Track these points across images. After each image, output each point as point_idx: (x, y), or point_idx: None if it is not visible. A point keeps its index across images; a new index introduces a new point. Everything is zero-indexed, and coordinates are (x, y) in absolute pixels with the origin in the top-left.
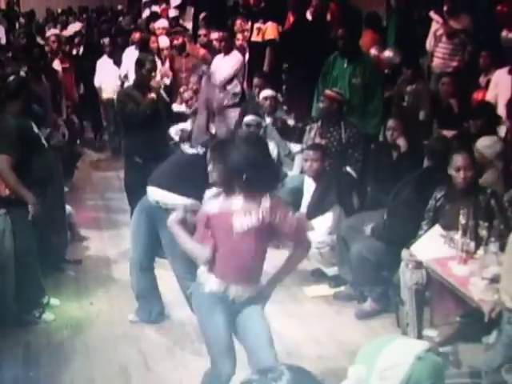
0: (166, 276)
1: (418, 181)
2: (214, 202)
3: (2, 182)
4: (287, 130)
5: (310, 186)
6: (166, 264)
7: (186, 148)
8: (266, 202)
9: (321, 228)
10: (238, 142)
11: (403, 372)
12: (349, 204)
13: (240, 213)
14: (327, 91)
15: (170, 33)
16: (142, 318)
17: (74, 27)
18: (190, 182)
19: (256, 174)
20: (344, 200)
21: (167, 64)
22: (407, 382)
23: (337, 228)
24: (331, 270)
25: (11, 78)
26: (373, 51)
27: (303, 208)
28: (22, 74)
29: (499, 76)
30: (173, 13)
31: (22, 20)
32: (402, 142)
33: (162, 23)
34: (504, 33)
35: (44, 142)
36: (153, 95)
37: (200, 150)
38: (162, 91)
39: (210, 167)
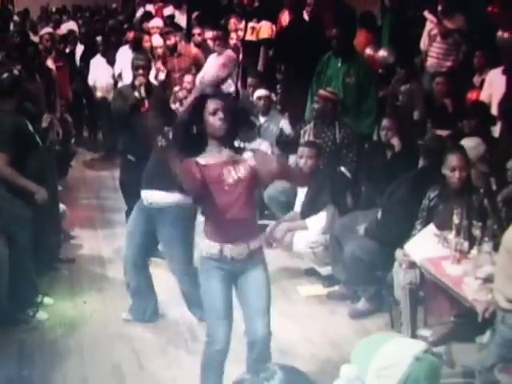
0: (160, 275)
1: (413, 180)
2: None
3: (2, 179)
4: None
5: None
6: (161, 263)
7: None
8: (248, 154)
9: (314, 227)
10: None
11: (401, 372)
12: (343, 204)
13: (228, 164)
14: (321, 91)
15: (163, 32)
16: (136, 317)
17: (68, 26)
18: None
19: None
20: (338, 199)
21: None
22: (405, 381)
23: (330, 227)
24: (325, 270)
25: (5, 75)
26: (368, 51)
27: (297, 207)
28: (16, 72)
29: (493, 76)
30: (168, 11)
31: (16, 18)
32: (396, 142)
33: (155, 22)
34: (499, 33)
35: (38, 140)
36: (136, 94)
37: None
38: (157, 89)
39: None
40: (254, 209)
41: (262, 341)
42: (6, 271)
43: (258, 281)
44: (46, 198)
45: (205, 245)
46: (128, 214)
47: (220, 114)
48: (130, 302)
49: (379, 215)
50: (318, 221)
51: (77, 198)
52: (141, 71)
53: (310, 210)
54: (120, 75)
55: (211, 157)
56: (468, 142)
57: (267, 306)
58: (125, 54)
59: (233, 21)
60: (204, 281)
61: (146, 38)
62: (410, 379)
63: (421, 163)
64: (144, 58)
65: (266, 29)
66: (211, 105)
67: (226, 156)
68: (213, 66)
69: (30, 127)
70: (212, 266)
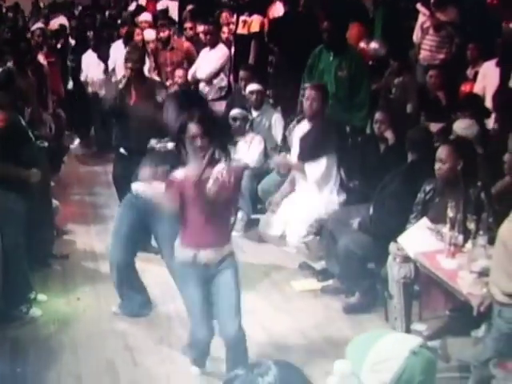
0: (153, 270)
1: (405, 174)
2: (179, 171)
3: None
4: None
5: (301, 133)
6: (153, 258)
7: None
8: (220, 165)
9: (312, 174)
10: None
11: (397, 365)
12: (346, 155)
13: (204, 178)
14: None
15: (156, 26)
16: (125, 311)
17: (59, 21)
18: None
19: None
20: (342, 149)
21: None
22: (401, 375)
23: (328, 178)
24: (319, 264)
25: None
26: (362, 44)
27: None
28: (11, 67)
29: (487, 68)
30: (161, 5)
31: (9, 14)
32: (389, 135)
33: (145, 17)
34: (504, 24)
35: (31, 135)
36: (120, 87)
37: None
38: (150, 82)
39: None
40: (227, 217)
41: (234, 341)
42: (0, 268)
43: (229, 284)
44: (40, 177)
45: (179, 251)
46: None
47: (198, 141)
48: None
49: (372, 209)
50: (317, 167)
51: (69, 193)
52: (129, 64)
53: (310, 154)
54: (114, 70)
55: (188, 171)
56: (460, 124)
57: (237, 308)
58: (118, 49)
59: (224, 15)
60: (181, 286)
61: (138, 31)
62: (406, 373)
63: (410, 157)
64: (132, 51)
65: (257, 22)
66: (192, 129)
67: (202, 170)
68: (205, 61)
69: (23, 122)
70: (187, 271)
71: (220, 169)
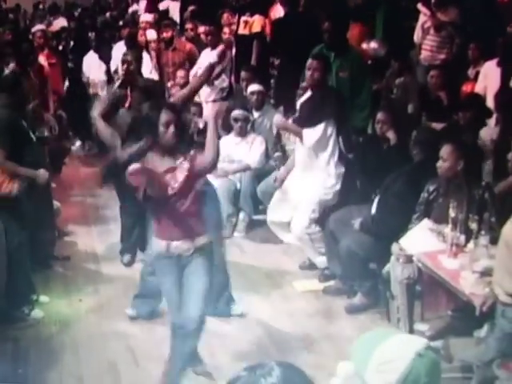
0: None
1: (410, 174)
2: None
3: (2, 173)
4: None
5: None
6: None
7: None
8: (186, 156)
9: (309, 138)
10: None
11: (403, 367)
12: (344, 123)
13: (169, 170)
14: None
15: (158, 26)
16: (141, 314)
17: (60, 23)
18: None
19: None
20: (340, 117)
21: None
22: (406, 377)
23: (324, 144)
24: (321, 261)
25: (7, 72)
26: (364, 45)
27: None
28: (13, 65)
29: (488, 68)
30: (162, 6)
31: (10, 15)
32: (391, 135)
33: (145, 17)
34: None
35: (32, 136)
36: (114, 88)
37: None
38: (146, 84)
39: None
40: (197, 207)
41: (191, 323)
42: (3, 268)
43: (196, 271)
44: (47, 177)
45: (153, 243)
46: (121, 209)
47: (172, 128)
48: (124, 300)
49: (374, 209)
50: (314, 132)
51: (71, 195)
52: (125, 66)
53: (308, 119)
54: (116, 71)
55: (154, 163)
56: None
57: (202, 296)
58: (120, 50)
59: (226, 15)
60: (158, 275)
61: (141, 32)
62: (412, 375)
63: (416, 157)
64: (128, 53)
65: (258, 23)
66: (164, 116)
67: (167, 163)
68: (206, 62)
69: (25, 124)
70: (162, 262)
71: (183, 162)
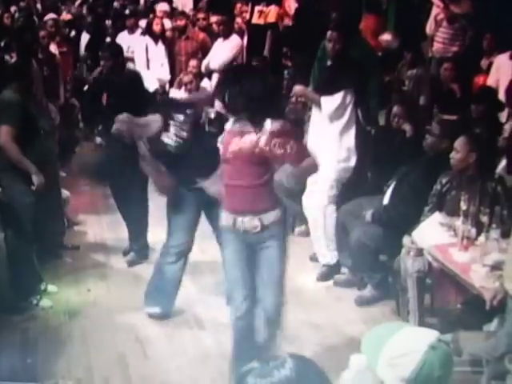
0: None
1: (427, 165)
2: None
3: (5, 153)
4: None
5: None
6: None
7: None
8: (266, 126)
9: (327, 106)
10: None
11: (416, 360)
12: (364, 94)
13: (237, 134)
14: None
15: (172, 14)
16: (165, 311)
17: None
18: None
19: (258, 99)
20: (360, 87)
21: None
22: (419, 371)
23: (341, 113)
24: (325, 257)
25: (15, 59)
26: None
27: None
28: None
29: (500, 61)
30: None
31: (21, 4)
32: (407, 127)
33: (162, 6)
34: None
35: (40, 125)
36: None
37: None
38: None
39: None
40: (260, 178)
41: (271, 317)
42: (5, 258)
43: (271, 257)
44: (43, 184)
45: (222, 216)
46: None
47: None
48: (136, 290)
49: (387, 199)
50: (333, 100)
51: (81, 184)
52: (102, 62)
53: (328, 87)
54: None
55: (231, 125)
56: None
57: (278, 280)
58: (122, 40)
59: (239, 5)
60: (223, 251)
61: (157, 21)
62: (425, 368)
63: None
64: (105, 49)
65: (274, 13)
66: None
67: (239, 126)
68: (219, 52)
69: (34, 111)
70: (228, 236)
71: (262, 129)
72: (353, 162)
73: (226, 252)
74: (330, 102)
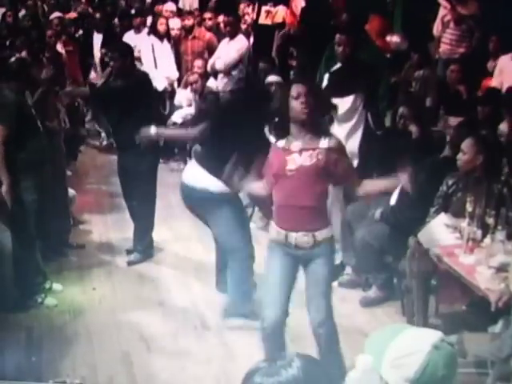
0: (168, 261)
1: (435, 166)
2: (279, 142)
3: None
4: None
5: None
6: (168, 252)
7: None
8: (324, 144)
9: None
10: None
11: (420, 360)
12: (375, 98)
13: (295, 151)
14: None
15: (180, 14)
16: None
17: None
18: None
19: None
20: (370, 90)
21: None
22: (423, 371)
23: (351, 115)
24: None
25: (13, 58)
26: (387, 38)
27: None
28: (24, 55)
29: (503, 62)
30: None
31: (29, 2)
32: (414, 129)
33: (169, 6)
34: None
35: (40, 125)
36: (101, 81)
37: None
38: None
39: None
40: (318, 199)
41: (318, 331)
42: (10, 257)
43: (316, 273)
44: (12, 198)
45: (272, 230)
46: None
47: (302, 98)
48: (141, 289)
49: (394, 200)
50: (343, 103)
51: (86, 183)
52: (111, 63)
53: (339, 89)
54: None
55: (285, 142)
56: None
57: (322, 298)
58: (129, 39)
59: (242, 6)
60: (267, 261)
61: (162, 21)
62: (429, 368)
63: (446, 152)
64: (111, 49)
65: (281, 13)
66: (295, 89)
67: (298, 144)
68: (225, 52)
69: (33, 111)
70: (277, 249)
71: (317, 145)
72: (355, 164)
73: (271, 262)
74: (341, 105)
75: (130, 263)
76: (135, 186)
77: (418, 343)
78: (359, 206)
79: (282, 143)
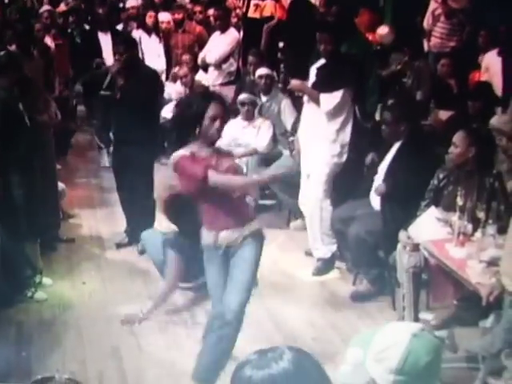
0: None
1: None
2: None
3: None
4: None
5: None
6: None
7: None
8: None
9: (326, 103)
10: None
11: (400, 351)
12: (362, 91)
13: (213, 158)
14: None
15: (170, 7)
16: None
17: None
18: None
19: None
20: (357, 85)
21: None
22: (405, 360)
23: (341, 110)
24: (319, 251)
25: (1, 53)
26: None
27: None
28: (12, 50)
29: (488, 59)
30: None
31: None
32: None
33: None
34: None
35: (27, 121)
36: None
37: None
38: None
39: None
40: (240, 198)
41: (230, 315)
42: None
43: (243, 258)
44: None
45: (203, 234)
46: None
47: (218, 123)
48: (131, 283)
49: (381, 178)
50: (332, 98)
51: (76, 177)
52: (117, 56)
53: (326, 85)
54: None
55: (197, 151)
56: (500, 118)
57: (247, 284)
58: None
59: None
60: (205, 267)
61: (150, 14)
62: (411, 357)
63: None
64: (118, 43)
65: (270, 7)
66: (213, 109)
67: (211, 152)
68: (215, 45)
69: (21, 107)
70: (209, 253)
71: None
72: (344, 158)
73: (209, 269)
74: (330, 99)
75: (118, 246)
76: (133, 179)
77: (397, 335)
78: (344, 212)
79: (188, 150)
